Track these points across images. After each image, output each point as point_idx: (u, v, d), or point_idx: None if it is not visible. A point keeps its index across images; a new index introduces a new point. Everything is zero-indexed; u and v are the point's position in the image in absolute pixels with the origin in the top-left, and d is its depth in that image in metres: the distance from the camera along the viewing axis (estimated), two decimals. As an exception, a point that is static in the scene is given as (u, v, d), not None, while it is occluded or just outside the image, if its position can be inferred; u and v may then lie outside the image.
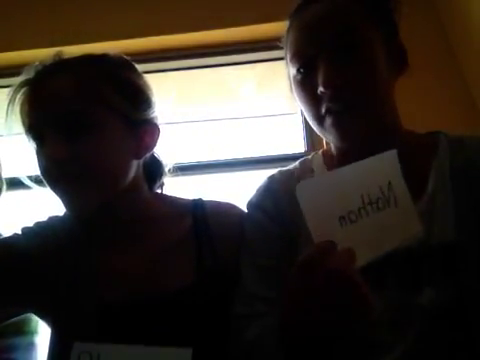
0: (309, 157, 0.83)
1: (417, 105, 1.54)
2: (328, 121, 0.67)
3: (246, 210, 0.80)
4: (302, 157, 0.85)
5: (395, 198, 0.56)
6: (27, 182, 0.80)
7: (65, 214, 0.81)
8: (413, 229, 0.57)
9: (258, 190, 0.80)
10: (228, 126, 1.99)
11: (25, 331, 0.99)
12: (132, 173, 0.75)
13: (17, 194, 1.76)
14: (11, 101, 0.73)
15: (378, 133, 0.68)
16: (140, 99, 0.76)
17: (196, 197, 0.84)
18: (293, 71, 0.71)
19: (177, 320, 0.70)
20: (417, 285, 0.64)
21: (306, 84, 0.69)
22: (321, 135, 0.73)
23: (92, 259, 0.74)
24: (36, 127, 0.70)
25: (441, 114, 1.55)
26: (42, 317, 0.80)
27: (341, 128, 0.67)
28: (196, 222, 0.78)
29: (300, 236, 0.71)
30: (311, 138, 1.68)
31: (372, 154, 0.68)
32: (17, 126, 0.73)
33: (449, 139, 0.72)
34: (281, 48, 0.79)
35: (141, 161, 0.78)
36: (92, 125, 0.69)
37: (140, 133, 0.75)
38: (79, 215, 0.74)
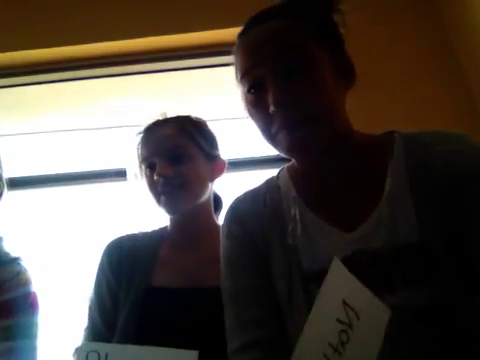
0: (275, 175, 0.85)
1: (419, 108, 1.54)
2: (280, 136, 0.69)
3: (220, 237, 0.83)
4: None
5: (355, 311, 0.54)
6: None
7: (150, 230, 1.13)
8: (383, 318, 0.55)
9: (226, 215, 0.84)
10: (228, 126, 1.99)
11: (26, 334, 0.99)
12: (208, 192, 1.06)
13: (17, 194, 1.77)
14: (134, 143, 1.07)
15: (330, 142, 0.70)
16: (213, 142, 1.11)
17: None
18: (244, 91, 0.74)
19: (209, 308, 0.86)
20: (389, 286, 0.64)
21: (257, 103, 0.71)
22: (276, 150, 0.74)
23: (152, 253, 1.02)
24: (150, 157, 1.02)
25: (443, 118, 1.55)
26: None
27: (293, 142, 0.69)
28: None
29: (270, 250, 0.75)
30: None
31: (328, 164, 0.74)
32: (133, 159, 1.07)
33: (403, 138, 0.73)
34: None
35: (212, 188, 1.10)
36: (186, 155, 1.02)
37: (213, 164, 1.08)
38: (174, 215, 1.04)
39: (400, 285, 0.63)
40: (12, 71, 1.85)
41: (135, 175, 1.07)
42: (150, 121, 1.09)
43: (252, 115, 0.74)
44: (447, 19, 1.67)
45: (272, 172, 0.85)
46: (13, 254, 1.07)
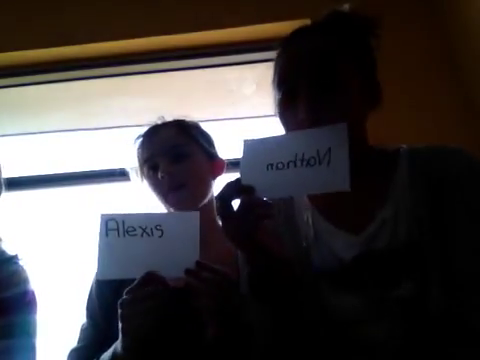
0: None
1: (418, 107, 1.54)
2: None
3: None
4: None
5: (329, 160, 0.69)
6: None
7: None
8: (341, 185, 0.68)
9: None
10: (228, 126, 1.99)
11: (24, 333, 0.99)
12: (211, 190, 1.09)
13: (17, 195, 1.77)
14: (134, 146, 1.10)
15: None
16: (212, 142, 1.15)
17: None
18: (278, 95, 0.80)
19: None
20: (395, 280, 0.71)
21: (288, 109, 0.78)
22: None
23: None
24: (152, 158, 1.04)
25: (440, 116, 1.55)
26: None
27: None
28: None
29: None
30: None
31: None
32: (132, 162, 1.10)
33: (408, 152, 0.80)
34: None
35: (213, 187, 1.10)
36: (189, 154, 1.05)
37: (214, 163, 1.11)
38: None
39: (405, 279, 0.71)
40: (12, 71, 1.85)
41: (137, 179, 1.09)
42: (149, 126, 1.12)
43: (281, 119, 0.81)
44: (447, 22, 1.68)
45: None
46: (10, 253, 1.07)
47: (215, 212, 1.08)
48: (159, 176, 1.01)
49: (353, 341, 0.74)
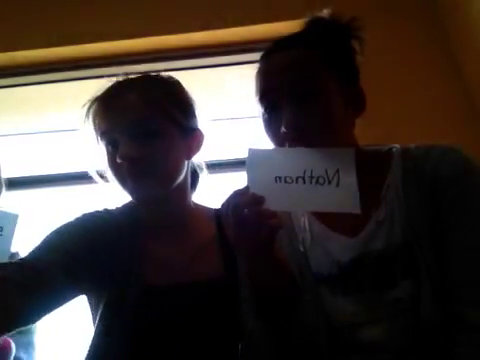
0: None
1: (418, 104, 1.54)
2: None
3: None
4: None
5: (338, 181, 0.69)
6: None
7: (120, 207, 0.95)
8: (351, 208, 0.69)
9: None
10: (228, 126, 1.99)
11: (24, 330, 0.99)
12: (184, 172, 0.90)
13: (17, 195, 1.77)
14: (87, 112, 0.88)
15: None
16: (189, 111, 0.92)
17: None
18: (261, 110, 0.81)
19: (208, 304, 0.84)
20: (392, 282, 0.72)
21: (272, 123, 0.78)
22: None
23: (139, 248, 0.88)
24: (109, 133, 0.84)
25: (442, 116, 1.55)
26: (95, 296, 0.87)
27: None
28: (220, 228, 0.93)
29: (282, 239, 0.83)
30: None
31: None
32: (89, 133, 0.87)
33: (401, 152, 0.81)
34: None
35: (189, 165, 0.93)
36: (156, 131, 0.84)
37: (189, 138, 0.90)
38: (143, 203, 0.89)
39: (402, 279, 0.71)
40: (12, 71, 1.85)
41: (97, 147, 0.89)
42: (108, 85, 0.89)
43: (267, 132, 0.81)
44: (448, 23, 1.67)
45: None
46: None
47: (188, 192, 0.95)
48: (117, 160, 0.81)
49: (352, 343, 0.74)
